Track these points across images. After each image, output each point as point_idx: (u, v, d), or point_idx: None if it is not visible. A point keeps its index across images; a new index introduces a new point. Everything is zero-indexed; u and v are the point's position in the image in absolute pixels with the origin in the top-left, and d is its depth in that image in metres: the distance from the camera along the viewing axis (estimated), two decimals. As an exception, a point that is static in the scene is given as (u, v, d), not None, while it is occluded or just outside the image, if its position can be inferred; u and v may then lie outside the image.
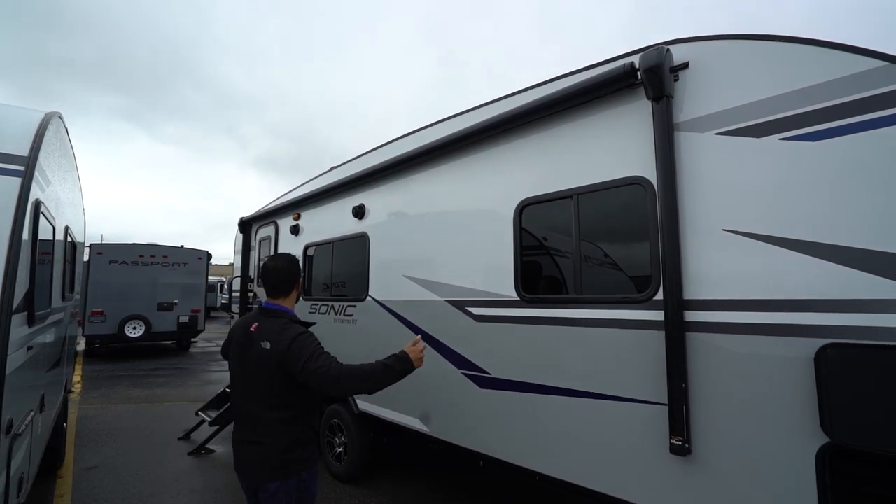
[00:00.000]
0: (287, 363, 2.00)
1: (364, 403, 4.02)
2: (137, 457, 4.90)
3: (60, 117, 3.04)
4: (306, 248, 5.11)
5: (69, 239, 4.08)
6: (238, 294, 6.63)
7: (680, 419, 2.09)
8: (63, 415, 4.74)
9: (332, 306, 4.53)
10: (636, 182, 2.41)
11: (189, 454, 5.01)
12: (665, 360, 2.17)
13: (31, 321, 2.22)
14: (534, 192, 2.89)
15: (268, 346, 2.06)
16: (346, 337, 4.30)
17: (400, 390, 3.74)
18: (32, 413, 2.41)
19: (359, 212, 4.27)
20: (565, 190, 2.72)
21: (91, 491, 4.11)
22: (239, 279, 6.53)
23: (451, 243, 3.39)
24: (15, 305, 1.95)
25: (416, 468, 4.63)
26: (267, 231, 6.04)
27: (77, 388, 8.44)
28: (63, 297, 3.78)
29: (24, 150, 2.27)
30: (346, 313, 4.32)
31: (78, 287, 5.83)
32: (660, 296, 2.26)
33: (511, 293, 2.93)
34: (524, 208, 2.94)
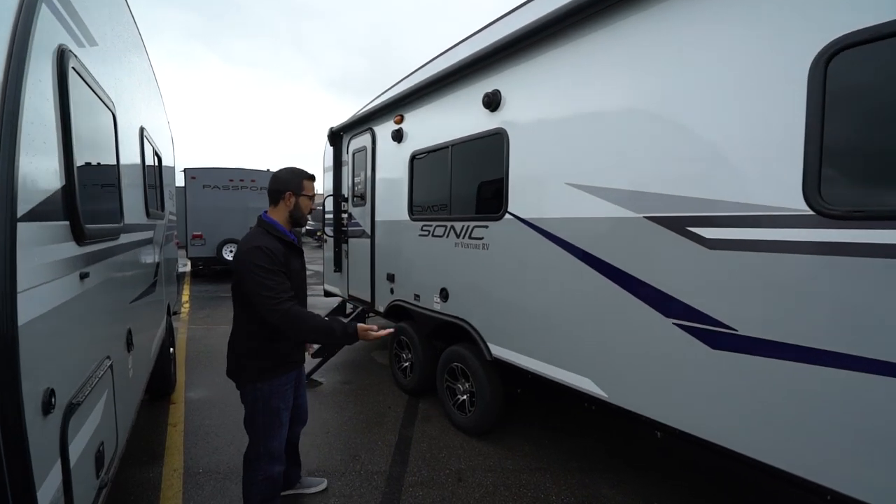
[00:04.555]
0: (237, 274, 2.05)
1: (502, 350, 3.18)
2: (244, 386, 4.62)
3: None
4: (413, 157, 4.14)
5: (148, 144, 3.42)
6: (331, 216, 5.99)
7: None
8: (170, 339, 4.49)
9: (452, 227, 3.61)
10: None
11: (295, 386, 4.65)
12: None
13: (79, 236, 1.48)
14: (859, 23, 1.58)
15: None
16: (473, 267, 3.39)
17: (566, 341, 2.68)
18: (108, 361, 1.77)
19: (492, 101, 3.15)
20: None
21: (202, 422, 3.82)
22: (331, 198, 5.83)
23: (658, 130, 2.21)
24: (33, 206, 1.16)
25: (557, 424, 3.86)
26: (362, 141, 5.14)
27: (186, 307, 8.71)
28: (148, 214, 3.19)
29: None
30: (473, 236, 3.38)
31: (171, 207, 5.45)
32: None
33: (792, 202, 1.75)
34: (835, 56, 1.65)
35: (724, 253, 1.97)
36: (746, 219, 1.89)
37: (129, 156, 2.59)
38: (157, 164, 4.18)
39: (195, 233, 11.68)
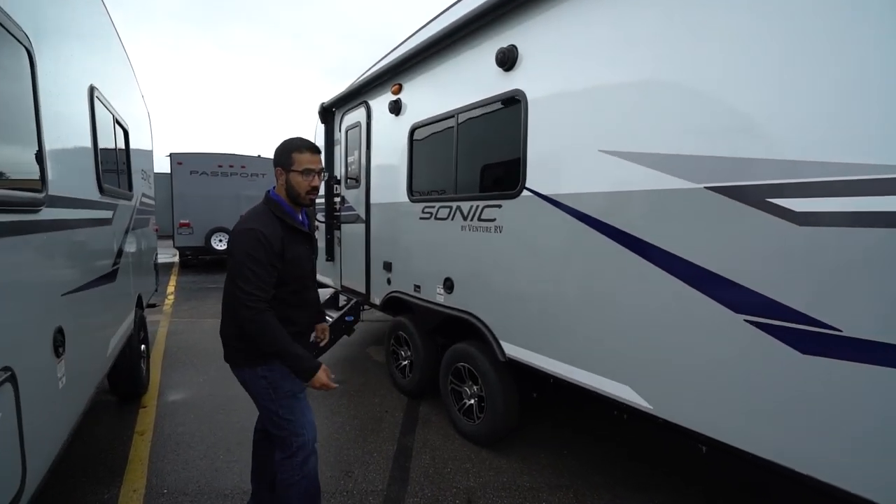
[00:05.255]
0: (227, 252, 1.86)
1: (518, 349, 2.74)
2: (223, 386, 4.13)
3: None
4: (413, 130, 3.66)
5: (103, 109, 2.93)
6: (322, 200, 5.50)
7: None
8: (142, 337, 4.02)
9: (458, 208, 3.14)
10: None
11: (282, 386, 4.20)
12: None
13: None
14: None
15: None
16: (484, 253, 2.93)
17: (600, 341, 2.19)
18: (6, 374, 1.31)
19: (507, 58, 2.67)
20: None
21: (174, 429, 3.37)
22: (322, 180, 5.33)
23: (723, 74, 1.75)
24: None
25: (571, 421, 3.43)
26: (355, 116, 4.64)
27: (170, 299, 8.23)
28: (102, 190, 2.71)
29: None
30: (484, 218, 2.92)
31: (145, 189, 4.95)
32: None
33: (930, 161, 1.30)
34: None
35: (820, 230, 1.52)
36: (852, 184, 1.44)
37: (64, 113, 2.10)
38: (122, 137, 3.69)
39: (182, 221, 11.15)
